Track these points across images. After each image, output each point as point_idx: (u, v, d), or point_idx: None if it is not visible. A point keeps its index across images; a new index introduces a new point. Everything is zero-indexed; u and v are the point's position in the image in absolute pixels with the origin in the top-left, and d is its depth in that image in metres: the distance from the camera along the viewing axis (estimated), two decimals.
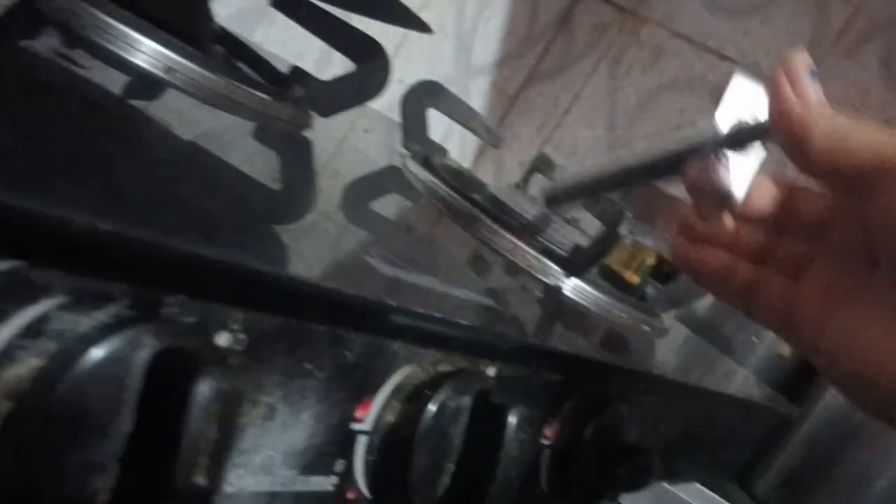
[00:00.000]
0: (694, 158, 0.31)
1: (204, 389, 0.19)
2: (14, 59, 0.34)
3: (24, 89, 0.31)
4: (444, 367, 0.31)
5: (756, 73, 0.30)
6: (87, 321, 0.20)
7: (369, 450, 0.29)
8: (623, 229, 0.53)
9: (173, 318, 0.21)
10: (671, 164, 0.32)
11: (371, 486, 0.30)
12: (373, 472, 0.30)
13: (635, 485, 0.40)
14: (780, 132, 0.28)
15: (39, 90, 0.32)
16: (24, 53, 0.35)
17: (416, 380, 0.30)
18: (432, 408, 0.29)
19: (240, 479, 0.25)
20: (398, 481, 0.29)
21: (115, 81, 0.39)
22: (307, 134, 0.49)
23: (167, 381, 0.20)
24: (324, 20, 0.50)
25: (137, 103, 0.40)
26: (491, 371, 0.34)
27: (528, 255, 0.53)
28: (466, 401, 0.30)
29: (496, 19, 1.02)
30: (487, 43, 1.03)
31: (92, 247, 0.20)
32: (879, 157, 0.26)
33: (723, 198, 0.30)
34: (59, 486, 0.19)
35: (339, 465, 0.29)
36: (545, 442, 0.38)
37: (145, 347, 0.20)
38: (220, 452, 0.20)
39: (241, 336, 0.24)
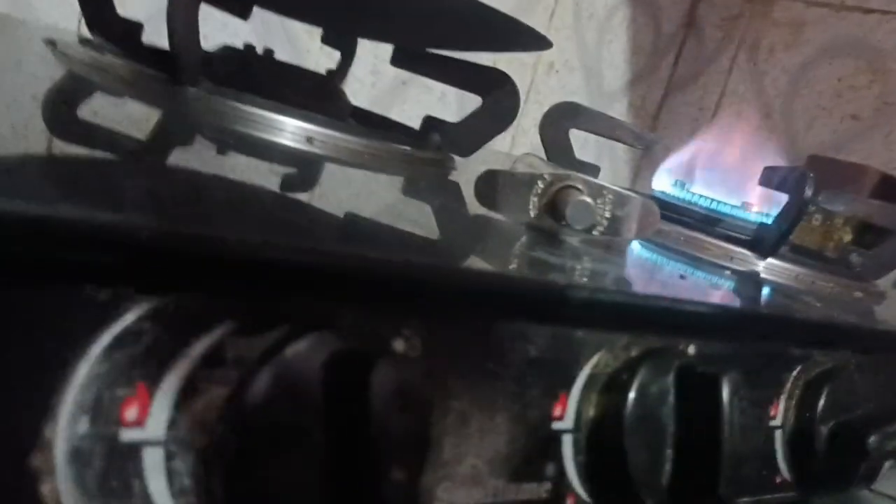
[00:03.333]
0: None
1: (383, 376, 0.19)
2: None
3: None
4: (636, 351, 0.29)
5: None
6: (261, 343, 0.20)
7: (577, 450, 0.27)
8: (808, 196, 0.49)
9: (346, 329, 0.21)
10: None
11: (588, 488, 0.28)
12: (587, 473, 0.27)
13: (883, 457, 0.35)
14: None
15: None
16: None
17: (610, 367, 0.28)
18: (634, 393, 0.27)
19: (448, 492, 0.24)
20: (617, 479, 0.27)
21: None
22: (453, 177, 0.50)
23: (344, 390, 0.19)
24: (444, 64, 0.51)
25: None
26: (691, 350, 0.31)
27: (711, 245, 0.50)
28: (670, 379, 0.28)
29: (618, 41, 1.01)
30: (615, 66, 1.01)
31: (257, 269, 0.20)
32: None
33: None
34: None
35: (550, 470, 0.27)
36: (773, 423, 0.34)
37: (320, 354, 0.20)
38: (415, 449, 0.19)
39: (416, 341, 0.23)
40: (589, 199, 0.33)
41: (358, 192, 0.43)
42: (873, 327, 0.39)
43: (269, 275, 0.20)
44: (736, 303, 0.37)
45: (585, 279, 0.30)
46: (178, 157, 0.33)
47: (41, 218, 0.17)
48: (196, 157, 0.35)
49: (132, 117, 0.39)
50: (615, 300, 0.27)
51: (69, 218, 0.17)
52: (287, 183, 0.42)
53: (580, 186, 0.34)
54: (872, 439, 0.34)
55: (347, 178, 0.43)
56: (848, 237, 0.71)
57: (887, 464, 0.41)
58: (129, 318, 0.18)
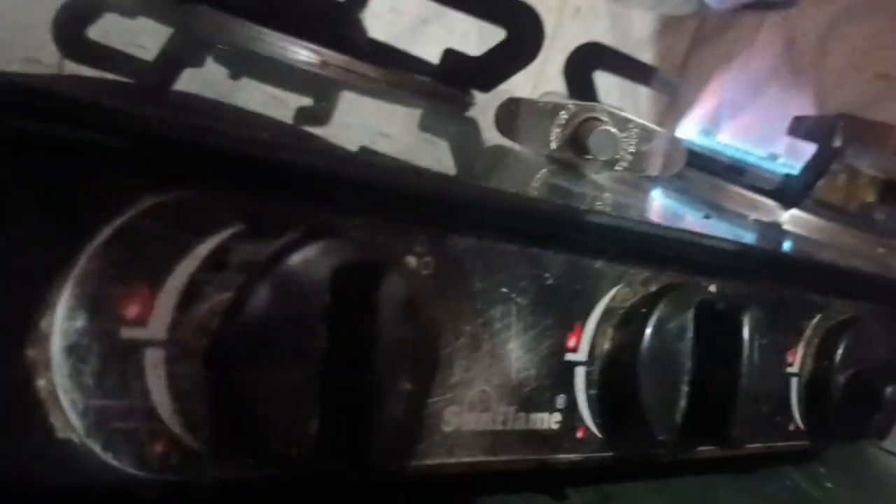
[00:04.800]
0: None
1: (392, 287, 0.18)
2: None
3: None
4: (656, 286, 0.28)
5: None
6: (267, 248, 0.19)
7: (590, 383, 0.27)
8: (837, 145, 0.47)
9: (356, 240, 0.20)
10: None
11: (599, 422, 0.27)
12: (599, 407, 0.27)
13: None
14: None
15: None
16: None
17: (628, 302, 0.27)
18: (651, 328, 0.26)
19: (456, 416, 0.23)
20: (629, 414, 0.27)
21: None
22: (472, 114, 0.48)
23: (353, 297, 0.19)
24: None
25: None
26: (711, 289, 0.30)
27: (735, 194, 0.48)
28: (689, 315, 0.27)
29: None
30: (642, 15, 0.98)
31: (268, 170, 0.19)
32: None
33: None
34: (266, 420, 0.18)
35: (561, 401, 0.26)
36: (790, 370, 0.34)
37: (328, 261, 0.19)
38: (423, 361, 0.19)
39: (428, 259, 0.22)
40: (613, 129, 0.32)
41: (373, 128, 0.42)
42: (891, 278, 0.38)
43: (279, 178, 0.19)
44: (759, 245, 0.36)
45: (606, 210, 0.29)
46: (189, 82, 0.32)
47: (47, 92, 0.16)
48: (207, 83, 0.34)
49: (143, 37, 0.37)
50: (637, 230, 0.26)
51: (76, 97, 0.16)
52: (301, 115, 0.41)
53: (605, 118, 0.33)
54: (889, 391, 0.33)
55: (362, 112, 0.41)
56: (871, 197, 0.69)
57: None
58: (132, 214, 0.17)
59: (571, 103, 0.33)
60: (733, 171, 0.52)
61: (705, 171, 0.49)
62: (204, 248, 0.18)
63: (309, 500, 0.25)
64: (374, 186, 0.21)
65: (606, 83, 0.62)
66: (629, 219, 0.26)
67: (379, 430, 0.18)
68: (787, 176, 0.48)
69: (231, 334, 0.18)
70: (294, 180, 0.19)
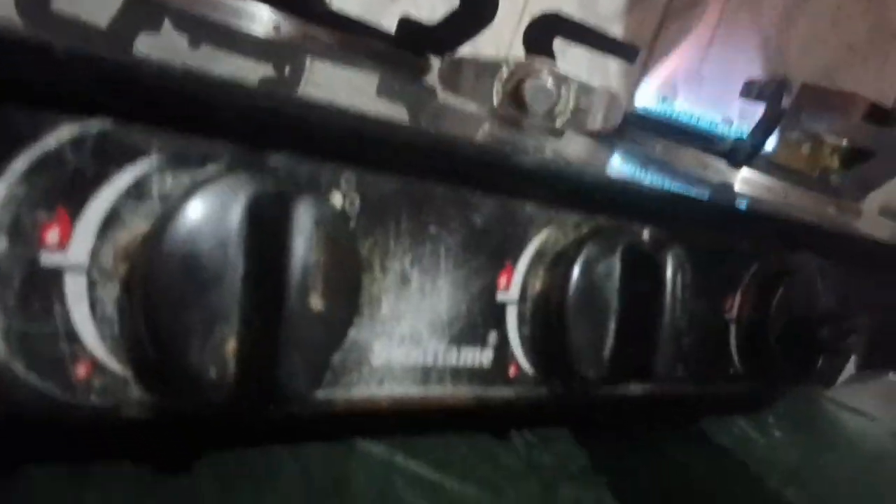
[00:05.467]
0: None
1: (304, 211, 0.19)
2: None
3: None
4: (586, 230, 0.29)
5: None
6: (187, 181, 0.20)
7: (521, 321, 0.28)
8: (785, 105, 0.48)
9: (277, 172, 0.21)
10: None
11: (531, 359, 0.28)
12: (531, 345, 0.28)
13: (836, 352, 0.35)
14: None
15: None
16: None
17: (559, 245, 0.28)
18: (579, 269, 0.27)
19: (385, 349, 0.24)
20: (559, 353, 0.27)
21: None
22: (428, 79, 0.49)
23: (269, 224, 0.19)
24: None
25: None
26: (645, 235, 0.31)
27: (686, 155, 0.49)
28: (616, 256, 0.28)
29: None
30: None
31: (188, 100, 0.20)
32: None
33: None
34: (185, 341, 0.19)
35: (493, 338, 0.27)
36: (728, 316, 0.35)
37: (246, 191, 0.20)
38: (336, 285, 0.19)
39: (355, 196, 0.23)
40: (550, 83, 0.33)
41: (331, 92, 0.42)
42: (834, 230, 0.39)
43: (202, 108, 0.20)
44: (694, 194, 0.37)
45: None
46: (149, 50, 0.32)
47: None
48: (167, 51, 0.34)
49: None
50: (565, 172, 0.27)
51: None
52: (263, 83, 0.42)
53: (544, 74, 0.34)
54: (824, 333, 0.34)
55: (319, 78, 0.42)
56: (835, 164, 0.70)
57: (847, 369, 0.41)
58: (51, 142, 0.18)
59: (512, 60, 0.34)
60: (687, 135, 0.53)
61: (659, 135, 0.50)
62: (125, 178, 0.19)
63: (234, 428, 0.25)
64: (299, 122, 0.21)
65: (576, 60, 0.62)
66: (557, 161, 0.27)
67: (291, 351, 0.18)
68: (737, 138, 0.49)
69: (152, 260, 0.19)
70: (218, 113, 0.20)
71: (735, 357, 0.35)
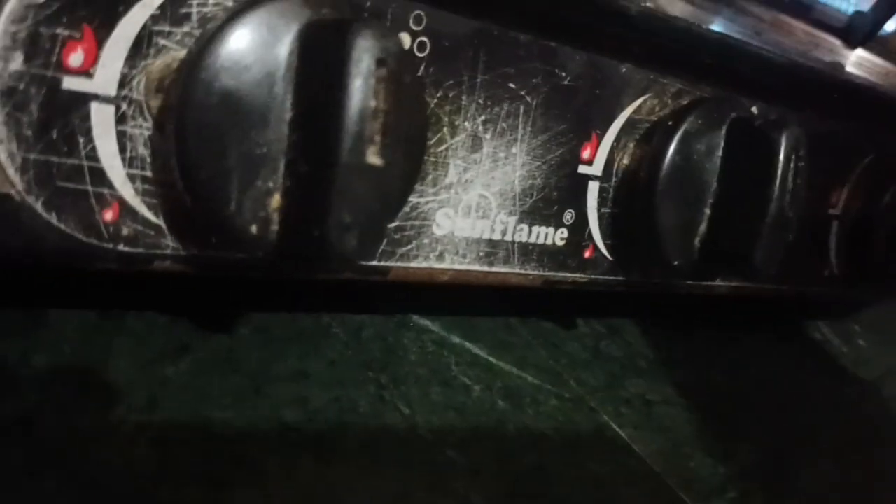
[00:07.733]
0: None
1: (366, 46, 0.15)
2: None
3: None
4: (688, 100, 0.25)
5: None
6: (232, 2, 0.17)
7: (603, 200, 0.24)
8: None
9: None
10: None
11: (610, 243, 0.25)
12: (611, 226, 0.25)
13: None
14: None
15: None
16: None
17: (654, 114, 0.25)
18: (677, 143, 0.24)
19: (449, 219, 0.22)
20: (643, 236, 0.24)
21: None
22: None
23: (321, 58, 0.16)
24: None
25: None
26: (753, 111, 0.27)
27: (796, 29, 0.44)
28: (721, 131, 0.24)
29: None
30: None
31: None
32: None
33: None
34: (224, 190, 0.16)
35: (569, 216, 0.24)
36: (833, 212, 0.31)
37: (300, 17, 0.16)
38: (398, 139, 0.16)
39: (424, 40, 0.20)
40: None
41: None
42: None
43: None
44: (812, 66, 0.32)
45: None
46: None
47: None
48: None
49: None
50: (672, 26, 0.23)
51: None
52: None
53: None
54: None
55: None
56: None
57: None
58: None
59: None
60: (800, 6, 0.47)
61: (769, 5, 0.45)
62: None
63: (277, 290, 0.24)
64: None
65: None
66: (662, 13, 0.23)
67: (343, 209, 0.16)
68: (856, 13, 0.43)
69: (188, 93, 0.16)
70: None
71: (833, 258, 0.31)
